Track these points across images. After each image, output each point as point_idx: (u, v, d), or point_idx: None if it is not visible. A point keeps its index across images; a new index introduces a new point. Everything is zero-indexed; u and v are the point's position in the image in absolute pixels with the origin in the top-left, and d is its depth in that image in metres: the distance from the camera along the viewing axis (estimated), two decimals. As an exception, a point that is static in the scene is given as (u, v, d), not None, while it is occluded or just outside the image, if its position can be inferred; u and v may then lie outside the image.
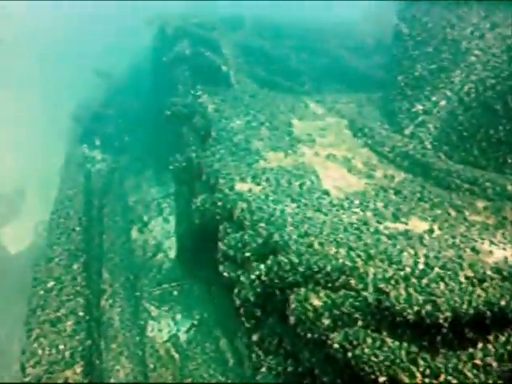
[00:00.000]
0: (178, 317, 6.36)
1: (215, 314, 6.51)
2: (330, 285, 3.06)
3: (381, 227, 3.84)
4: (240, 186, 4.57)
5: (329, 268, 3.07)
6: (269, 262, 3.23)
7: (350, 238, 3.55)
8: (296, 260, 3.13)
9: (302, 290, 3.04)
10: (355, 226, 3.80)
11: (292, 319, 2.98)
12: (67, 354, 4.30)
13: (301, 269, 3.09)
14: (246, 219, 4.06)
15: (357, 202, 4.31)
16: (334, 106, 6.98)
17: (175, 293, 7.04)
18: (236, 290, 3.33)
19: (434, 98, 5.90)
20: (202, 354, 5.62)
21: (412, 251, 3.29)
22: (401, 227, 3.84)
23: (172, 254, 8.15)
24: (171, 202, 9.80)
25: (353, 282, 3.01)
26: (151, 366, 5.25)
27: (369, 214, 4.09)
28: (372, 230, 3.76)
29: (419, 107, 6.01)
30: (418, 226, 3.90)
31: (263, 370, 3.37)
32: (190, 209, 6.13)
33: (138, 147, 11.46)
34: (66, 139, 12.40)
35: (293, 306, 2.99)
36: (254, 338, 3.39)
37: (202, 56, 8.28)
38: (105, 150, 11.34)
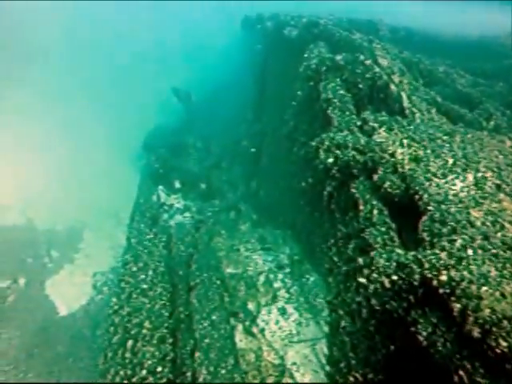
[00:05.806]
0: None
1: None
2: None
3: None
4: None
5: None
6: None
7: None
8: None
9: None
10: None
11: None
12: None
13: None
14: None
15: None
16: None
17: None
18: None
19: None
20: None
21: None
22: None
23: (302, 378, 5.04)
24: (285, 278, 6.73)
25: None
26: None
27: None
28: None
29: None
30: None
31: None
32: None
33: (232, 191, 8.51)
34: (136, 174, 9.75)
35: None
36: None
37: (360, 65, 5.33)
38: (187, 195, 8.45)
